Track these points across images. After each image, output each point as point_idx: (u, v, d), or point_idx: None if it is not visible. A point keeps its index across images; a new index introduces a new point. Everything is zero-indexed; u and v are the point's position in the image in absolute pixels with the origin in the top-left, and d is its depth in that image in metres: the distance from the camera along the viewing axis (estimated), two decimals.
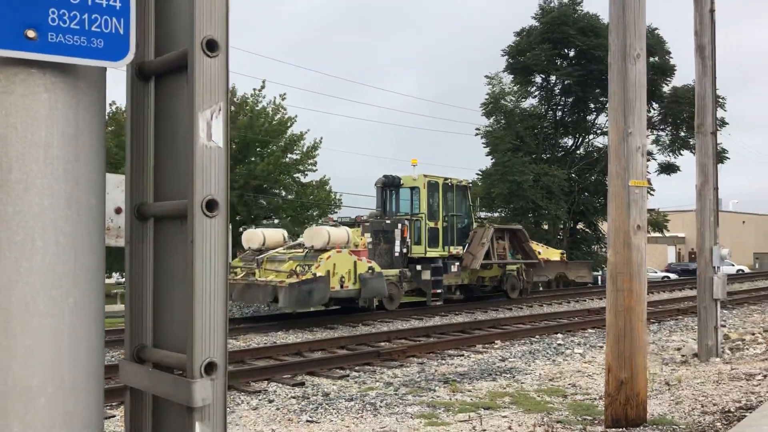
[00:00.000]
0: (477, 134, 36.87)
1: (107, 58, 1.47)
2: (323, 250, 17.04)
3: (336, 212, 35.52)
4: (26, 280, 1.39)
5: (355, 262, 17.29)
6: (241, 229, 32.06)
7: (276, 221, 32.37)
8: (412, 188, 21.56)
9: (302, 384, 10.07)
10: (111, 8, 1.49)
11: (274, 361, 12.11)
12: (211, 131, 1.64)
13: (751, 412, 6.40)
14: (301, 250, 17.80)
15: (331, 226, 19.35)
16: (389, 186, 21.51)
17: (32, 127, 1.42)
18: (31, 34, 1.39)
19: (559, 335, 15.42)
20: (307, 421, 7.65)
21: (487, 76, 36.78)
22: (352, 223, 21.13)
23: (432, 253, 20.80)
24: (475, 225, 23.20)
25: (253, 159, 32.17)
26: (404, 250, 20.26)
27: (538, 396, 8.64)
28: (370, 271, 17.75)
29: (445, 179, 21.79)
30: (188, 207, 1.62)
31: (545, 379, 10.00)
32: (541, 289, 27.20)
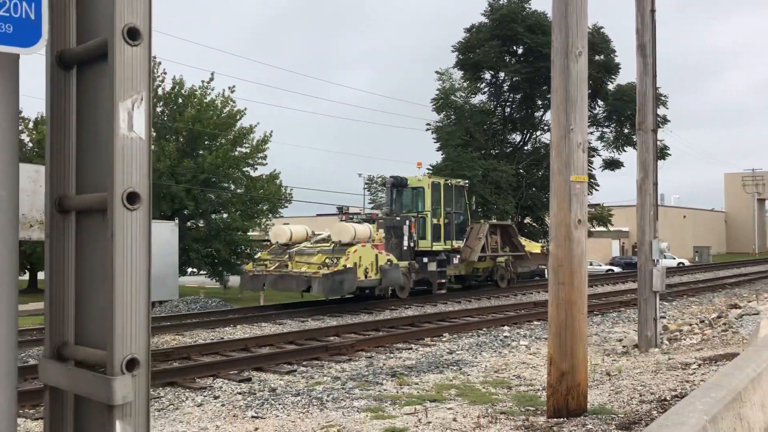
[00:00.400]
0: (428, 129, 37.11)
1: (17, 44, 1.41)
2: (350, 245, 19.06)
3: (286, 206, 35.26)
4: None
5: (376, 255, 19.42)
6: (189, 223, 31.54)
7: (225, 215, 31.93)
8: (418, 188, 23.47)
9: (249, 380, 9.98)
10: None
11: (221, 356, 11.96)
12: (132, 121, 1.60)
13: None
14: (328, 244, 19.87)
15: (356, 222, 21.67)
16: (397, 186, 23.37)
17: None
18: None
19: (506, 327, 15.67)
20: (253, 416, 7.58)
21: (437, 72, 37.03)
22: (369, 220, 23.49)
23: (437, 246, 22.91)
24: (470, 221, 25.52)
25: (201, 152, 31.61)
26: (411, 244, 22.31)
27: (484, 388, 8.76)
28: (389, 263, 19.88)
29: (446, 180, 24.10)
30: (108, 200, 1.57)
31: (491, 371, 10.15)
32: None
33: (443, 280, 22.67)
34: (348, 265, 18.25)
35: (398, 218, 22.39)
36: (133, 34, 1.61)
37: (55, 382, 1.76)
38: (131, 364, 1.57)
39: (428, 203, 22.98)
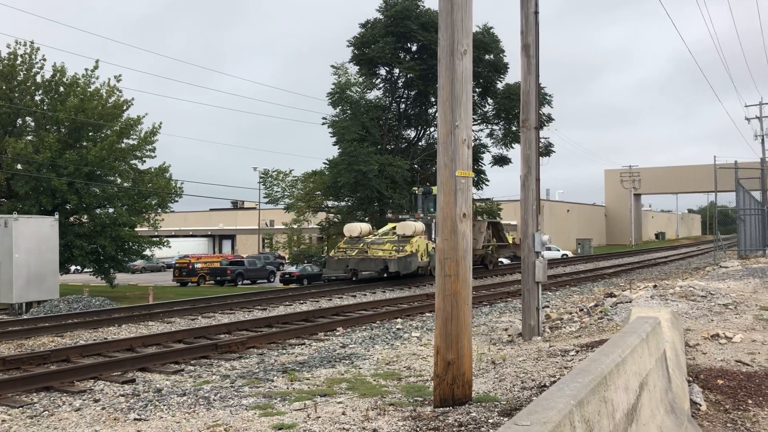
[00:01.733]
0: (324, 123, 36.99)
1: None
2: (411, 236, 26.43)
3: (176, 201, 34.10)
4: None
5: (427, 244, 26.98)
6: (72, 218, 29.83)
7: (111, 210, 30.47)
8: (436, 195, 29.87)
9: (133, 381, 9.59)
10: None
11: (103, 358, 11.43)
12: None
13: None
14: (393, 236, 27.09)
15: (414, 221, 28.33)
16: (426, 193, 30.55)
17: None
18: None
19: (399, 320, 15.92)
20: (135, 419, 7.28)
21: (333, 66, 36.97)
22: (414, 219, 29.31)
23: None
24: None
25: (85, 144, 29.98)
26: (435, 237, 27.55)
27: (374, 380, 8.84)
28: (433, 249, 25.28)
29: None
30: None
31: (382, 363, 10.27)
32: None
33: None
34: (413, 251, 25.80)
35: (428, 218, 29.14)
36: None
37: None
38: None
39: None
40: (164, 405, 7.81)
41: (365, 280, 28.06)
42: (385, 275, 26.17)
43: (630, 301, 13.43)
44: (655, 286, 16.63)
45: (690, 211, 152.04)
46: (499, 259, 37.32)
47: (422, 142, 39.88)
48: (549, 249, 50.59)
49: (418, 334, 13.38)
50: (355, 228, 28.16)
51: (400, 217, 31.76)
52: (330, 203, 39.23)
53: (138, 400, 8.26)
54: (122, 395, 8.74)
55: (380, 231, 28.81)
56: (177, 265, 45.02)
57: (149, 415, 7.44)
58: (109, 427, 7.07)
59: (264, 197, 42.95)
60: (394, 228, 27.74)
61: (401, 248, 25.67)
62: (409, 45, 36.90)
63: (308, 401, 7.53)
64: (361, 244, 26.94)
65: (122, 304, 22.16)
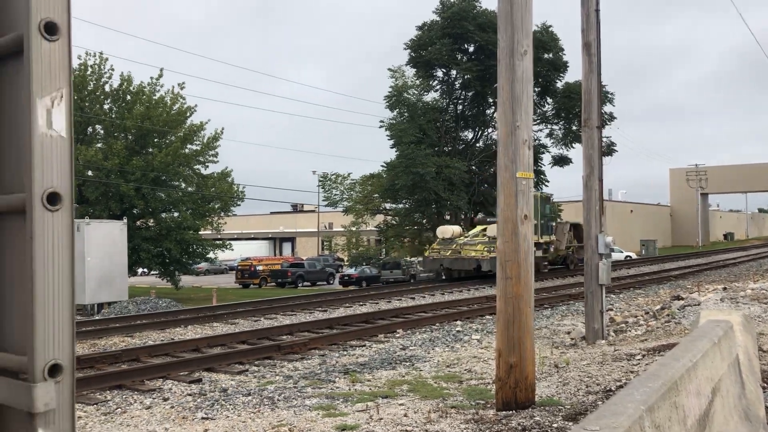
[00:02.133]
0: (381, 126, 37.16)
1: None
2: None
3: (239, 204, 34.84)
4: None
5: None
6: (139, 222, 30.86)
7: (175, 214, 31.37)
8: None
9: (199, 380, 9.84)
10: None
11: (171, 358, 11.77)
12: (52, 119, 1.55)
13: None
14: (483, 238, 29.30)
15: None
16: None
17: None
18: None
19: (459, 322, 15.83)
20: (203, 418, 7.48)
21: (390, 69, 37.11)
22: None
23: (543, 239, 30.69)
24: (555, 221, 34.41)
25: (150, 150, 30.99)
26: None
27: (435, 382, 8.83)
28: None
29: (540, 193, 31.82)
30: (27, 201, 1.52)
31: (443, 365, 10.23)
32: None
33: (546, 262, 31.23)
34: None
35: None
36: (50, 29, 1.56)
37: None
38: (54, 370, 1.52)
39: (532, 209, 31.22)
40: (230, 404, 8.00)
41: (423, 281, 29.67)
42: (477, 274, 28.46)
43: (698, 304, 12.99)
44: (725, 289, 16.03)
45: (761, 210, 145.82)
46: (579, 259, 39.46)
47: (480, 144, 39.60)
48: (612, 251, 49.52)
49: (478, 337, 13.28)
50: (447, 230, 30.90)
51: (489, 219, 33.43)
52: (388, 205, 39.36)
53: (205, 399, 8.48)
54: (189, 394, 8.99)
55: (470, 233, 31.38)
56: (239, 267, 45.93)
57: (216, 414, 7.63)
58: (178, 425, 7.28)
59: (323, 200, 43.43)
60: (485, 230, 30.29)
61: (492, 249, 27.17)
62: (465, 46, 36.71)
63: (370, 402, 7.58)
64: (454, 245, 29.45)
65: (187, 306, 22.78)
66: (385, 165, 35.95)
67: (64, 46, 1.57)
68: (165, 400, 8.73)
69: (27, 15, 1.51)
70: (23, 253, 1.61)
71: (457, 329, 14.60)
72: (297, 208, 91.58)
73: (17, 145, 1.68)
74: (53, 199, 1.54)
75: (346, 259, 47.20)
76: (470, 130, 39.58)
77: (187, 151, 31.77)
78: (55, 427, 1.53)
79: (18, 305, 1.66)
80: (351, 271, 40.97)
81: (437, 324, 15.68)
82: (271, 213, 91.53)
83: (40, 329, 1.51)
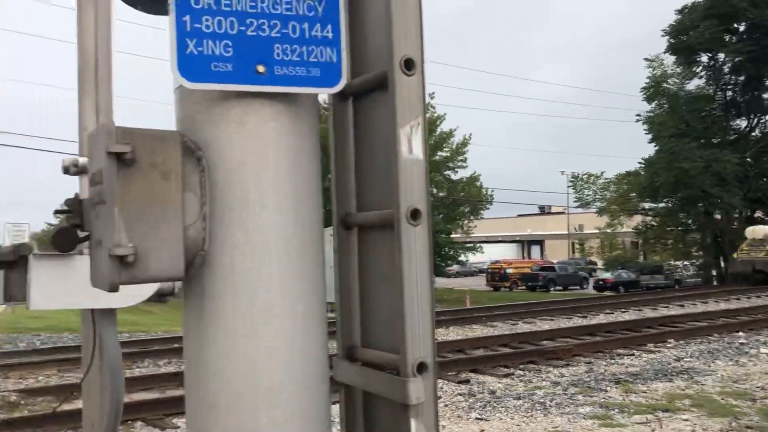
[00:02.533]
0: (638, 120, 34.97)
1: (324, 85, 1.62)
2: None
3: (488, 208, 35.31)
4: (266, 288, 1.56)
5: None
6: None
7: None
8: None
9: (467, 381, 10.15)
10: (325, 39, 1.64)
11: (439, 358, 12.28)
12: (411, 145, 1.74)
13: None
14: None
15: None
16: None
17: (263, 152, 1.60)
18: (261, 69, 1.57)
19: (741, 333, 14.29)
20: (477, 418, 7.71)
21: (646, 59, 34.77)
22: None
23: None
24: None
25: None
26: None
27: (722, 399, 8.08)
28: None
29: None
30: (394, 217, 1.72)
31: (728, 380, 9.32)
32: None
33: None
34: None
35: None
36: (409, 65, 1.75)
37: (348, 380, 1.97)
38: (420, 368, 1.71)
39: None
40: (501, 407, 8.13)
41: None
42: None
43: None
44: None
45: None
46: None
47: (755, 132, 35.31)
48: None
49: (767, 351, 11.85)
50: (759, 231, 29.67)
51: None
52: (646, 205, 36.86)
53: (475, 400, 8.72)
54: (459, 394, 9.31)
55: None
56: (490, 270, 46.46)
57: (488, 415, 7.82)
58: (454, 423, 7.59)
59: (574, 201, 42.10)
60: None
61: None
62: (735, 25, 33.05)
63: (649, 415, 7.19)
64: (766, 247, 28.48)
65: (442, 308, 23.63)
66: (642, 162, 33.76)
67: (419, 79, 1.76)
68: (438, 398, 9.15)
69: (390, 53, 1.72)
70: (383, 262, 1.83)
71: (740, 341, 13.17)
72: (544, 210, 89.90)
73: (376, 168, 1.92)
74: (415, 214, 1.73)
75: (599, 262, 45.16)
76: (743, 118, 35.47)
77: (437, 158, 33.01)
78: (423, 418, 1.72)
79: (381, 308, 1.89)
80: (606, 275, 39.10)
81: (715, 334, 14.30)
82: (518, 216, 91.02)
83: (410, 331, 1.70)
